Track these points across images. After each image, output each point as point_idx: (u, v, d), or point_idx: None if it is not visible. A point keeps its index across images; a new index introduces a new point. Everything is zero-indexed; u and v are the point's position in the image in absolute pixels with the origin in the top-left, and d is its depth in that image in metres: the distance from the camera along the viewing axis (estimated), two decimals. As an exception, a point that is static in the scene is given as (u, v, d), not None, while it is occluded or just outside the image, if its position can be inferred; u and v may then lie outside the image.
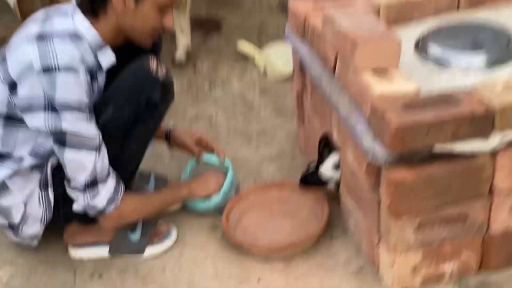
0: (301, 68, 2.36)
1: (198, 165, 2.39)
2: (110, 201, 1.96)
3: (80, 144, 1.86)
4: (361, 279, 2.00)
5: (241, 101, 2.98)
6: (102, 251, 2.18)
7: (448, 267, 1.94)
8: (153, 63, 1.99)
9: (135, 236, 2.17)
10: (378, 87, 1.79)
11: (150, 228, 2.20)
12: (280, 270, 2.07)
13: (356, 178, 1.99)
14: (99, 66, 1.93)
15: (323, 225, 2.11)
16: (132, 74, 1.98)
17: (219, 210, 2.28)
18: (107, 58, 1.94)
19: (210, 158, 2.39)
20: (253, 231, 2.21)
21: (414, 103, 1.76)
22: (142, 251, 2.17)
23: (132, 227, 2.16)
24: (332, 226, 2.19)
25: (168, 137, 2.37)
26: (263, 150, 2.63)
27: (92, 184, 1.92)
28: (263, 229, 2.22)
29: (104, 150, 1.92)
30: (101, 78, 1.98)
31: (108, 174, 1.95)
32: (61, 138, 1.85)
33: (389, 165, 1.74)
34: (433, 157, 1.75)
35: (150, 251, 2.17)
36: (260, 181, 2.46)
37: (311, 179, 2.22)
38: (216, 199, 2.26)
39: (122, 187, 1.99)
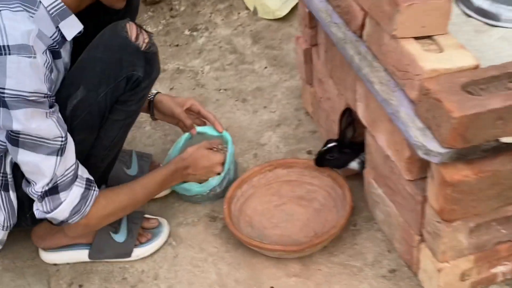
0: (311, 20, 1.95)
1: (192, 140, 1.98)
2: (75, 212, 1.56)
3: (37, 146, 1.44)
4: (395, 285, 1.67)
5: (230, 50, 2.56)
6: (81, 255, 1.81)
7: (502, 269, 1.62)
8: (131, 29, 1.56)
9: (120, 236, 1.79)
10: (428, 60, 1.40)
11: (137, 224, 1.82)
12: (296, 275, 1.73)
13: (391, 166, 1.62)
14: (62, 38, 1.50)
15: (346, 216, 1.76)
16: (105, 45, 1.55)
17: (215, 195, 1.91)
18: (72, 28, 1.50)
19: (204, 130, 1.99)
20: (260, 223, 1.85)
21: (474, 82, 1.38)
22: (129, 253, 1.80)
23: (114, 225, 1.79)
24: (353, 213, 1.83)
25: (151, 107, 1.96)
26: (262, 115, 2.24)
27: (52, 192, 1.51)
28: (272, 220, 1.86)
29: (69, 150, 1.50)
30: (66, 53, 1.55)
31: (74, 179, 1.53)
32: (13, 138, 1.44)
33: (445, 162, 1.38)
34: (496, 151, 1.40)
35: (139, 253, 1.80)
36: (262, 156, 2.07)
37: (329, 159, 1.84)
38: (215, 181, 1.88)
39: (93, 193, 1.57)
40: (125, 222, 1.80)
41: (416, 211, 1.56)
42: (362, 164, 1.83)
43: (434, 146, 1.35)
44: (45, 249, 1.82)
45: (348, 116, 1.77)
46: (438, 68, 1.39)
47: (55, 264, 1.82)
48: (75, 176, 1.53)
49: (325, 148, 1.85)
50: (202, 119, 1.98)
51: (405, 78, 1.45)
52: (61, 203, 1.53)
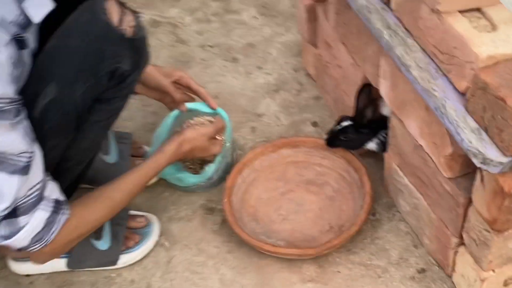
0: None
1: (181, 117, 1.69)
2: (37, 240, 1.26)
3: None
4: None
5: (213, -2, 2.23)
6: (58, 264, 1.54)
7: (548, 270, 1.42)
8: (112, 10, 1.23)
9: (103, 243, 1.53)
10: (482, 44, 1.12)
11: (122, 226, 1.56)
12: (313, 279, 1.50)
13: (423, 158, 1.37)
14: (27, 21, 1.17)
15: (367, 209, 1.52)
16: (81, 32, 1.22)
17: (212, 183, 1.66)
18: (40, 7, 1.17)
19: (196, 107, 1.70)
20: (266, 216, 1.60)
21: (540, 71, 1.12)
22: (114, 261, 1.55)
23: (96, 232, 1.51)
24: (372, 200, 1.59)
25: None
26: (257, 77, 1.94)
27: (10, 215, 1.20)
28: (280, 212, 1.61)
29: (35, 166, 1.19)
30: (32, 37, 1.23)
31: (39, 201, 1.22)
32: None
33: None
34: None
35: (126, 259, 1.55)
36: (261, 130, 1.80)
37: (344, 140, 1.58)
38: (211, 169, 1.61)
39: (61, 217, 1.27)
40: (108, 226, 1.53)
41: (455, 212, 1.33)
42: (382, 145, 1.58)
43: (494, 154, 1.10)
44: (15, 259, 1.56)
45: (367, 94, 1.50)
46: (495, 55, 1.11)
47: (28, 275, 1.56)
48: (40, 197, 1.23)
49: (338, 127, 1.58)
50: (190, 95, 1.69)
51: (450, 63, 1.18)
52: (20, 229, 1.22)
